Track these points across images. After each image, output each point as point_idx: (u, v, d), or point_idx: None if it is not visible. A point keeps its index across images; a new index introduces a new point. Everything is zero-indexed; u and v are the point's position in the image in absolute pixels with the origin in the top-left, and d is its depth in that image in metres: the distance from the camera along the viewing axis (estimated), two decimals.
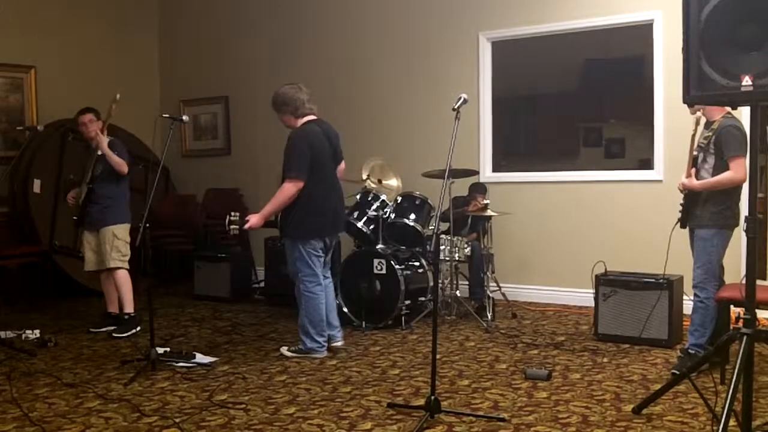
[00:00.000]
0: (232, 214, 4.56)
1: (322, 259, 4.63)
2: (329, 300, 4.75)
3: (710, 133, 4.04)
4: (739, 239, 4.36)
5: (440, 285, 5.69)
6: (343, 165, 4.85)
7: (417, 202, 5.68)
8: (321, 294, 4.58)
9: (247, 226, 4.51)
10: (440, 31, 6.82)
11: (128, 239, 5.35)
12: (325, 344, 4.64)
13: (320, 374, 4.23)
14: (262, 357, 4.64)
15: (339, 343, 4.76)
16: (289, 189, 4.42)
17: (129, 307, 5.33)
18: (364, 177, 5.97)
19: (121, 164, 5.23)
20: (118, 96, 5.05)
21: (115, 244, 5.28)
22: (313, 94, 4.74)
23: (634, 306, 4.78)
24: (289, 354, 4.65)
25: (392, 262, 5.39)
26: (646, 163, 6.08)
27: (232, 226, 4.52)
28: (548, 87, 6.87)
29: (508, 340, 5.01)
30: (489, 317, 5.50)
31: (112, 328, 5.36)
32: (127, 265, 5.35)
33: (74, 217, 5.50)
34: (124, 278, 5.33)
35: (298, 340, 4.69)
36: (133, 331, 5.29)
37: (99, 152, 5.26)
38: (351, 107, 7.29)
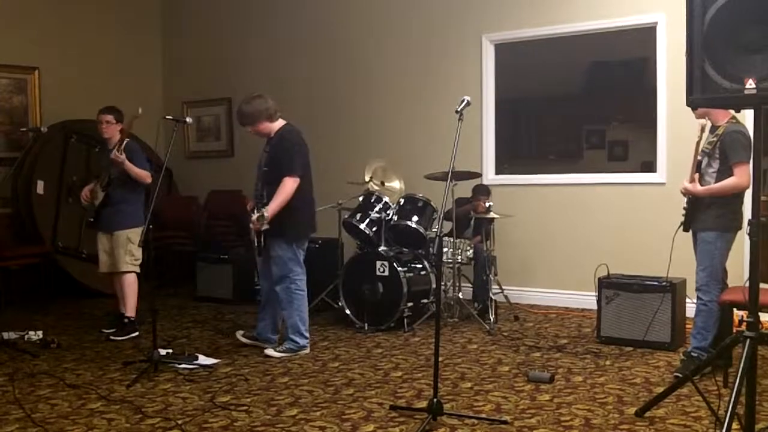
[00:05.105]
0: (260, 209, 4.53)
1: None
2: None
3: (715, 138, 4.04)
4: (742, 242, 4.35)
5: (443, 287, 5.69)
6: None
7: (419, 204, 5.68)
8: (305, 290, 4.75)
9: (267, 226, 4.50)
10: (443, 33, 6.82)
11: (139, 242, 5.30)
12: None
13: (322, 376, 4.23)
14: (265, 359, 4.64)
15: (269, 350, 4.78)
16: (292, 185, 4.55)
17: (131, 311, 5.33)
18: (367, 179, 5.97)
19: (144, 176, 5.19)
20: (140, 110, 5.04)
21: (128, 248, 5.25)
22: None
23: (636, 309, 4.78)
24: (277, 355, 4.68)
25: (395, 264, 5.38)
26: (649, 166, 6.07)
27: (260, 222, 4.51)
28: (551, 89, 6.87)
29: (511, 343, 5.01)
30: (491, 320, 5.49)
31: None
32: (138, 269, 5.32)
33: (90, 219, 5.45)
34: (131, 281, 5.32)
35: (284, 340, 4.77)
36: (132, 335, 5.26)
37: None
38: (354, 109, 7.31)
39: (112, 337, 5.21)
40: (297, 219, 4.63)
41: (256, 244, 4.68)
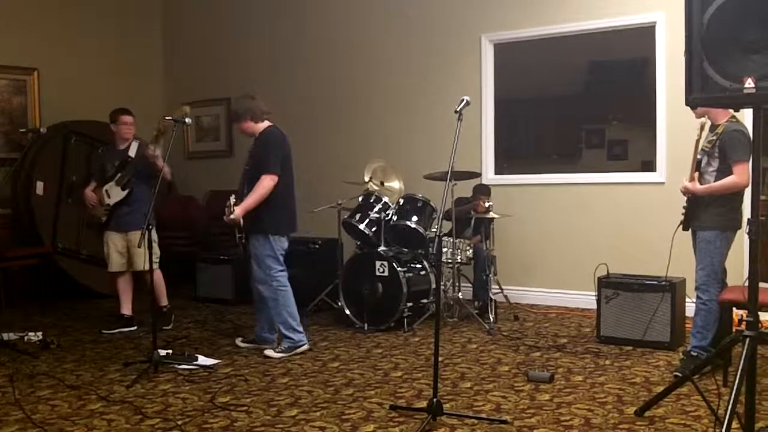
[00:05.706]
0: (233, 199, 4.60)
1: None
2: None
3: (714, 137, 4.04)
4: (741, 241, 4.35)
5: (442, 287, 5.69)
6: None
7: (419, 204, 5.68)
8: (289, 285, 4.76)
9: (233, 216, 4.56)
10: (443, 33, 6.82)
11: (157, 240, 5.36)
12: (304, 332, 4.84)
13: (322, 376, 4.23)
14: (264, 359, 4.64)
15: (269, 351, 4.77)
16: (269, 183, 4.60)
17: (165, 301, 5.63)
18: (366, 179, 5.98)
19: (167, 172, 5.23)
20: (187, 109, 5.02)
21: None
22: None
23: (636, 308, 4.78)
24: (277, 355, 4.68)
25: (394, 264, 5.39)
26: (649, 165, 6.08)
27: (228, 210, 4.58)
28: (551, 89, 6.88)
29: (511, 343, 5.01)
30: (491, 319, 5.49)
31: (126, 329, 5.47)
32: (157, 266, 5.39)
33: (102, 219, 5.51)
34: (159, 276, 5.49)
35: (281, 339, 4.79)
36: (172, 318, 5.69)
37: (131, 155, 5.33)
38: (353, 109, 7.31)
39: (164, 328, 5.45)
40: (275, 216, 4.66)
41: (237, 239, 4.74)
